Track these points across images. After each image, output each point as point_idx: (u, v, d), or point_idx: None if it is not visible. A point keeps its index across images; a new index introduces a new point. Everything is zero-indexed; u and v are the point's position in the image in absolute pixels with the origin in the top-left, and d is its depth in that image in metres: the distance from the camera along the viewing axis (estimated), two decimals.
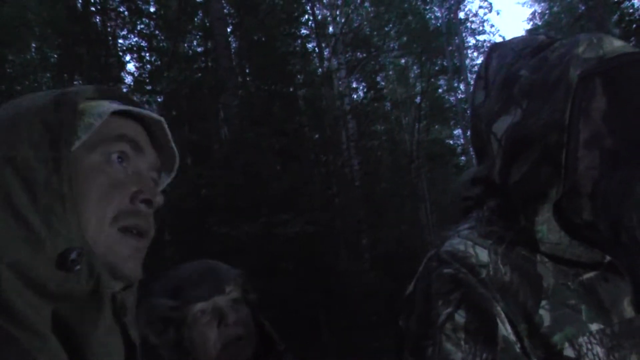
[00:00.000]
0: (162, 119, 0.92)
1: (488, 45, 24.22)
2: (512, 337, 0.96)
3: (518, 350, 0.95)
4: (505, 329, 0.96)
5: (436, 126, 21.79)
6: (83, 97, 0.84)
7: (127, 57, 10.76)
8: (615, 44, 1.03)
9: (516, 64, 1.10)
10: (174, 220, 9.36)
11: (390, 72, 20.64)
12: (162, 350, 1.54)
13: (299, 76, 12.54)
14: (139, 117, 0.90)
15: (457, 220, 2.34)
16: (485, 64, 1.19)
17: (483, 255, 1.04)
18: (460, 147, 21.67)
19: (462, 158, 20.92)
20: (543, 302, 0.99)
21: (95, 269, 0.77)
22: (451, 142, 23.57)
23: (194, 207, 8.81)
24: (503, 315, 0.97)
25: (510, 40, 1.20)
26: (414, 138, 17.36)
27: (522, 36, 1.20)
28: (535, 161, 1.02)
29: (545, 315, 0.98)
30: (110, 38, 10.22)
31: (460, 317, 0.97)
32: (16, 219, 0.73)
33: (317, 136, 12.82)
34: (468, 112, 19.36)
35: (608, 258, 1.03)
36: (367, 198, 11.42)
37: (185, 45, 11.86)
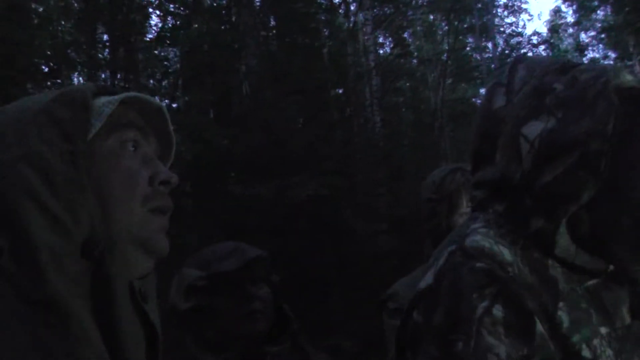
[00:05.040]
0: (162, 105, 0.95)
1: (518, 5, 23.59)
2: (546, 335, 0.98)
3: (552, 348, 0.97)
4: (542, 326, 0.98)
5: (462, 84, 21.44)
6: (89, 92, 0.87)
7: (150, 10, 10.63)
8: None
9: (546, 77, 1.12)
10: (194, 174, 9.42)
11: (418, 28, 20.23)
12: (187, 314, 1.72)
13: (325, 30, 12.34)
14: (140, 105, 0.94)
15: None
16: (509, 73, 1.20)
17: (507, 253, 1.06)
18: None
19: None
20: (560, 304, 1.01)
21: (115, 258, 0.80)
22: (476, 101, 23.21)
23: (212, 162, 8.85)
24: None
25: (534, 58, 1.23)
26: (438, 96, 17.13)
27: (546, 57, 1.27)
28: (572, 165, 1.03)
29: (563, 316, 1.00)
30: None
31: (498, 312, 0.97)
32: (42, 211, 0.76)
33: (340, 92, 12.68)
34: (494, 68, 18.85)
35: (611, 267, 1.08)
36: (388, 158, 11.30)
37: None
